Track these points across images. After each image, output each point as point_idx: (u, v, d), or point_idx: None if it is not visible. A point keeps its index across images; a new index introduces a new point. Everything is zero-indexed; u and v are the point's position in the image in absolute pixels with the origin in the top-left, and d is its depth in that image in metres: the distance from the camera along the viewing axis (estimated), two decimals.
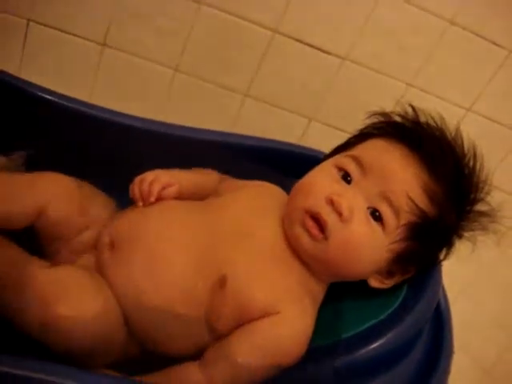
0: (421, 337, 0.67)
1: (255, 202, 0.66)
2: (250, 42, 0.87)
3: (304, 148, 0.82)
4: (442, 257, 0.64)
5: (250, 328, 0.57)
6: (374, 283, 0.63)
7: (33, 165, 0.65)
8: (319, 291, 0.63)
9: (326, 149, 0.70)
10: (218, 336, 0.58)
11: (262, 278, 0.59)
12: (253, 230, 0.62)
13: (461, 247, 0.63)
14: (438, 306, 0.69)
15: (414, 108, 0.64)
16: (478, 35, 0.89)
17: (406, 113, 0.64)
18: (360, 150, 0.63)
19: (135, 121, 0.77)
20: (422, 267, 0.64)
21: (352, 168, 0.61)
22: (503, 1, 0.87)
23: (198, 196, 0.68)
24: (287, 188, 0.66)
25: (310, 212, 0.59)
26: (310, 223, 0.59)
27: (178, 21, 0.85)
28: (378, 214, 0.59)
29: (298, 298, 0.59)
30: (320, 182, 0.61)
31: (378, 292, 0.64)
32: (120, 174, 0.66)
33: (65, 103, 0.75)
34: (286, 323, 0.57)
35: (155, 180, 0.64)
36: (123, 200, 0.68)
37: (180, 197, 0.66)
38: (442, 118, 0.63)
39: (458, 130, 0.63)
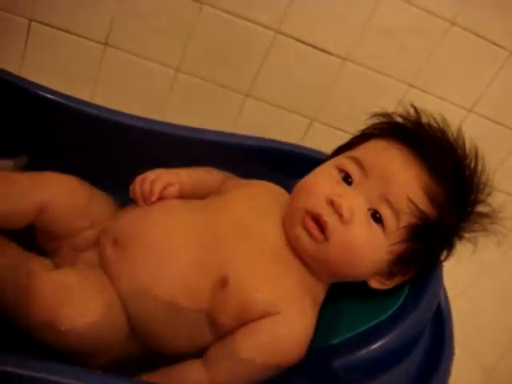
0: (421, 337, 0.67)
1: (256, 201, 0.66)
2: (252, 43, 0.87)
3: (305, 148, 0.82)
4: (442, 258, 0.64)
5: (251, 328, 0.57)
6: (375, 284, 0.63)
7: (33, 168, 0.65)
8: (320, 292, 0.63)
9: (327, 149, 0.71)
10: (219, 335, 0.58)
11: (263, 278, 0.59)
12: (254, 230, 0.62)
13: (462, 248, 0.63)
14: (439, 306, 0.69)
15: (415, 109, 0.64)
16: (479, 36, 0.89)
17: (408, 113, 0.64)
18: (361, 151, 0.63)
19: (136, 120, 0.77)
20: (422, 268, 0.64)
21: (353, 169, 0.61)
22: (504, 1, 0.87)
23: (199, 195, 0.68)
24: (288, 188, 0.66)
25: (310, 213, 0.59)
26: (311, 224, 0.59)
27: (180, 21, 0.85)
28: (378, 215, 0.59)
29: (298, 298, 0.59)
30: (321, 183, 0.61)
31: (378, 293, 0.64)
32: (121, 173, 0.66)
33: (66, 103, 0.75)
34: (287, 323, 0.57)
35: (156, 179, 0.64)
36: (123, 200, 0.68)
37: (181, 196, 0.66)
38: (444, 119, 0.63)
39: (459, 131, 0.63)
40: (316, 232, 0.58)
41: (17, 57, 0.84)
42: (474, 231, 0.62)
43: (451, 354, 0.67)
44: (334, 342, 0.63)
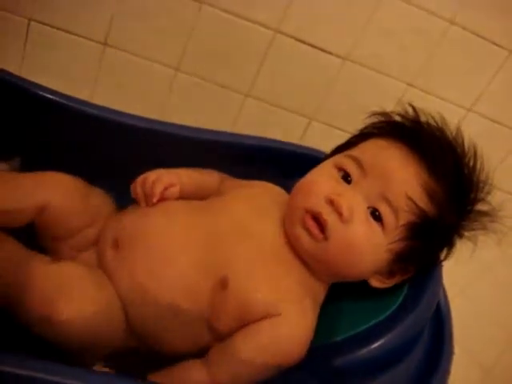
0: (421, 337, 0.67)
1: (256, 202, 0.66)
2: (251, 42, 0.87)
3: (304, 148, 0.82)
4: (442, 257, 0.64)
5: (252, 329, 0.57)
6: (375, 283, 0.63)
7: (33, 168, 0.65)
8: (320, 291, 0.63)
9: (327, 149, 0.71)
10: (219, 336, 0.58)
11: (263, 279, 0.59)
12: (253, 231, 0.62)
13: (461, 247, 0.63)
14: (439, 306, 0.69)
15: (414, 108, 0.64)
16: (478, 35, 0.89)
17: (407, 112, 0.64)
18: (360, 150, 0.63)
19: (136, 120, 0.77)
20: (422, 267, 0.64)
21: (352, 168, 0.61)
22: (503, 1, 0.87)
23: (199, 196, 0.68)
24: (288, 188, 0.66)
25: (310, 212, 0.59)
26: (311, 223, 0.59)
27: (179, 20, 0.85)
28: (377, 213, 0.59)
29: (299, 299, 0.59)
30: (320, 182, 0.61)
31: (378, 292, 0.64)
32: (121, 173, 0.66)
33: (66, 102, 0.75)
34: (288, 324, 0.57)
35: (157, 180, 0.64)
36: (123, 200, 0.68)
37: (182, 196, 0.66)
38: (443, 118, 0.63)
39: (458, 129, 0.63)
40: (316, 231, 0.58)
41: (16, 56, 0.84)
42: (473, 230, 0.62)
43: (451, 353, 0.67)
44: (334, 341, 0.63)
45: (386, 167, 0.59)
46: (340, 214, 0.58)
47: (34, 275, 0.55)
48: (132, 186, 0.65)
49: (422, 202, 0.58)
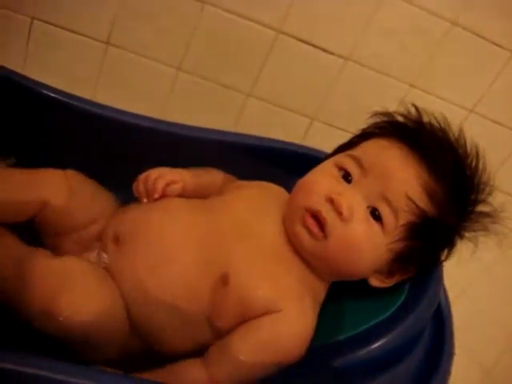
0: (421, 337, 0.67)
1: (257, 201, 0.66)
2: (253, 42, 0.87)
3: (306, 148, 0.82)
4: (443, 257, 0.64)
5: (252, 326, 0.57)
6: (375, 282, 0.63)
7: (34, 166, 0.65)
8: (320, 290, 0.63)
9: (328, 148, 0.71)
10: (219, 333, 0.58)
11: (263, 276, 0.59)
12: (254, 229, 0.62)
13: (462, 248, 0.63)
14: (439, 306, 0.69)
15: (417, 108, 0.64)
16: (480, 36, 0.89)
17: (409, 113, 0.64)
18: (361, 150, 0.63)
19: (138, 119, 0.77)
20: (422, 267, 0.64)
21: (352, 167, 0.61)
22: (505, 2, 0.87)
23: (201, 194, 0.68)
24: (289, 187, 0.66)
25: (310, 210, 0.59)
26: (310, 221, 0.59)
27: (182, 20, 0.85)
28: (377, 213, 0.59)
29: (299, 297, 0.59)
30: (321, 181, 0.61)
31: (378, 292, 0.64)
32: (122, 172, 0.66)
33: (68, 101, 0.75)
34: (288, 321, 0.57)
35: (159, 177, 0.65)
36: (124, 198, 0.68)
37: (183, 195, 0.66)
38: (445, 119, 0.63)
39: (461, 130, 0.63)
40: (315, 229, 0.58)
41: (19, 55, 0.85)
42: (474, 231, 0.62)
43: (451, 353, 0.67)
44: (335, 341, 0.63)
45: (386, 167, 0.60)
46: (340, 213, 0.58)
47: (36, 269, 0.55)
48: (134, 184, 0.66)
49: (422, 202, 0.58)
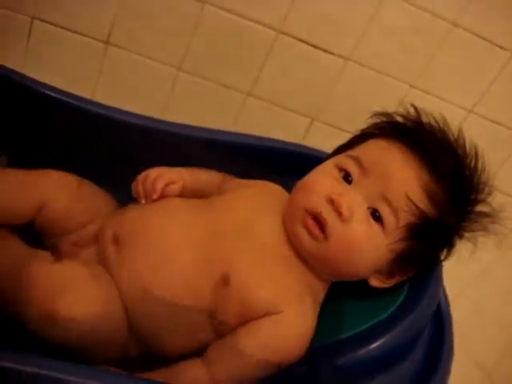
0: (421, 337, 0.67)
1: (257, 201, 0.66)
2: (254, 42, 0.87)
3: (306, 148, 0.82)
4: (442, 257, 0.64)
5: (252, 327, 0.57)
6: (375, 283, 0.63)
7: (32, 166, 0.65)
8: (320, 290, 0.63)
9: (328, 149, 0.71)
10: (219, 333, 0.58)
11: (264, 277, 0.59)
12: (254, 229, 0.62)
13: (461, 248, 0.63)
14: (439, 306, 0.69)
15: (416, 108, 0.64)
16: (480, 37, 0.89)
17: (408, 113, 0.65)
18: (361, 150, 0.63)
19: (138, 119, 0.77)
20: (422, 267, 0.64)
21: (352, 168, 0.61)
22: (506, 2, 0.87)
23: (200, 194, 0.68)
24: (289, 188, 0.66)
25: (310, 211, 0.59)
26: (311, 222, 0.59)
27: (182, 20, 0.85)
28: (377, 214, 0.59)
29: (300, 297, 0.59)
30: (321, 182, 0.61)
31: (378, 292, 0.64)
32: (121, 172, 0.66)
33: (67, 100, 0.75)
34: (289, 322, 0.57)
35: (158, 177, 0.65)
36: (122, 198, 0.68)
37: (183, 195, 0.66)
38: (445, 119, 0.63)
39: (460, 131, 0.63)
40: (316, 230, 0.59)
41: (19, 55, 0.85)
42: (473, 231, 0.62)
43: (451, 353, 0.67)
44: (335, 341, 0.63)
45: (386, 167, 0.60)
46: (340, 214, 0.58)
47: (36, 274, 0.55)
48: (133, 184, 0.66)
49: (422, 202, 0.58)
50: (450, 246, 0.63)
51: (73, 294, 0.54)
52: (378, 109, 0.67)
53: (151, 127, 0.77)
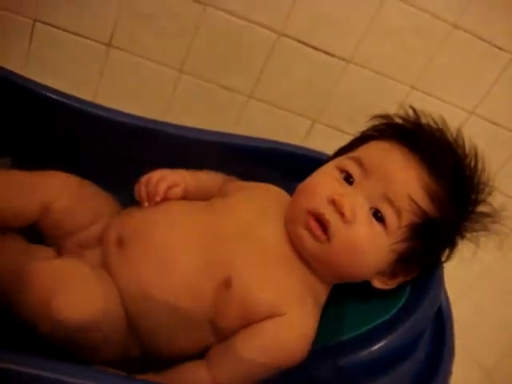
0: (422, 338, 0.67)
1: (259, 203, 0.66)
2: (255, 44, 0.87)
3: (307, 149, 0.82)
4: (444, 258, 0.64)
5: (254, 329, 0.57)
6: (378, 284, 0.63)
7: (33, 168, 0.65)
8: (322, 292, 0.63)
9: (330, 150, 0.71)
10: (221, 336, 0.58)
11: (266, 280, 0.59)
12: (256, 232, 0.63)
13: (463, 249, 0.63)
14: (440, 308, 0.69)
15: (415, 110, 0.65)
16: (481, 38, 0.89)
17: (408, 115, 0.65)
18: (362, 152, 0.63)
19: (140, 121, 0.77)
20: (425, 267, 0.64)
21: (354, 169, 0.61)
22: (506, 4, 0.88)
23: (203, 196, 0.68)
24: (290, 190, 0.67)
25: (312, 213, 0.59)
26: (313, 224, 0.59)
27: (183, 22, 0.85)
28: (379, 214, 0.59)
29: (302, 300, 0.59)
30: (322, 184, 0.61)
31: (380, 293, 0.64)
32: (123, 174, 0.66)
33: (69, 103, 0.75)
34: (291, 325, 0.57)
35: (161, 179, 0.65)
36: (124, 201, 0.68)
37: (185, 197, 0.66)
38: (443, 120, 0.64)
39: (458, 131, 0.63)
40: (318, 232, 0.59)
41: (21, 57, 0.85)
42: (475, 231, 0.62)
43: (452, 355, 0.67)
44: (336, 342, 0.63)
45: (387, 168, 0.60)
46: (342, 215, 0.58)
47: (35, 269, 0.54)
48: (136, 186, 0.65)
49: (424, 202, 0.58)
50: (451, 245, 0.63)
51: (72, 289, 0.53)
52: (379, 110, 0.67)
53: (153, 129, 0.77)
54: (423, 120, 0.64)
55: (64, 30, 0.84)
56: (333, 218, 0.58)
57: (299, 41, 0.88)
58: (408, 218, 0.58)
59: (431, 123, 0.64)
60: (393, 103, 0.69)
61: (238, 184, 0.73)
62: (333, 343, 0.63)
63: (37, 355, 0.50)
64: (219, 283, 0.58)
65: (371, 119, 0.67)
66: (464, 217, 0.62)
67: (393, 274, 0.63)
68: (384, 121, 0.66)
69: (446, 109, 0.94)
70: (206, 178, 0.71)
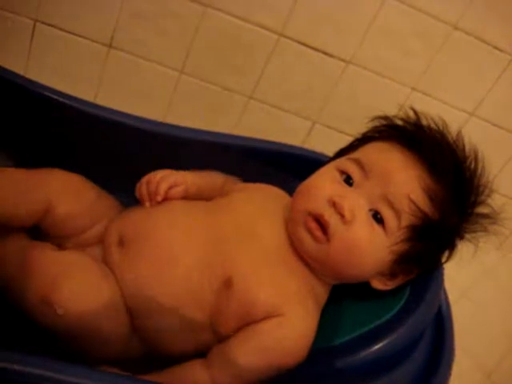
0: (422, 339, 0.67)
1: (259, 204, 0.67)
2: (255, 45, 0.87)
3: (307, 151, 0.82)
4: (444, 259, 0.65)
5: (254, 329, 0.57)
6: (377, 285, 0.63)
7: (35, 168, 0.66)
8: (322, 293, 0.63)
9: (330, 152, 0.71)
10: (221, 336, 0.59)
11: (266, 280, 0.59)
12: (257, 232, 0.63)
13: (463, 250, 0.63)
14: (440, 308, 0.69)
15: (415, 111, 0.65)
16: (481, 40, 0.89)
17: (408, 116, 0.65)
18: (362, 153, 0.63)
19: (140, 122, 0.77)
20: (424, 268, 0.64)
21: (354, 171, 0.61)
22: (507, 6, 0.88)
23: (203, 197, 0.68)
24: (290, 191, 0.67)
25: (312, 214, 0.59)
26: (313, 225, 0.59)
27: (184, 23, 0.85)
28: (379, 216, 0.59)
29: (301, 300, 0.59)
30: (322, 185, 0.61)
31: (380, 294, 0.64)
32: (124, 174, 0.67)
33: (70, 103, 0.75)
34: (290, 325, 0.57)
35: (162, 179, 0.65)
36: (126, 201, 0.68)
37: (186, 197, 0.66)
38: (444, 122, 0.64)
39: (459, 132, 0.63)
40: (318, 233, 0.59)
41: (22, 57, 0.85)
42: (474, 232, 0.62)
43: (452, 355, 0.67)
44: (336, 343, 0.63)
45: (387, 169, 0.60)
46: (342, 216, 0.58)
47: (37, 259, 0.55)
48: (137, 186, 0.66)
49: (424, 204, 0.58)
50: (451, 246, 0.63)
51: (73, 281, 0.54)
52: (379, 112, 0.67)
53: (153, 130, 0.77)
54: (423, 121, 0.64)
55: (65, 31, 0.84)
56: (332, 219, 0.58)
57: (299, 42, 0.88)
58: (408, 219, 0.58)
59: (431, 124, 0.63)
60: (393, 104, 0.69)
61: (238, 185, 0.73)
62: (332, 344, 0.63)
63: (39, 355, 0.50)
64: (220, 283, 0.58)
65: (371, 120, 0.67)
66: (464, 218, 0.62)
67: (392, 275, 0.63)
68: (384, 122, 0.66)
69: (446, 110, 0.94)
70: (207, 179, 0.71)
